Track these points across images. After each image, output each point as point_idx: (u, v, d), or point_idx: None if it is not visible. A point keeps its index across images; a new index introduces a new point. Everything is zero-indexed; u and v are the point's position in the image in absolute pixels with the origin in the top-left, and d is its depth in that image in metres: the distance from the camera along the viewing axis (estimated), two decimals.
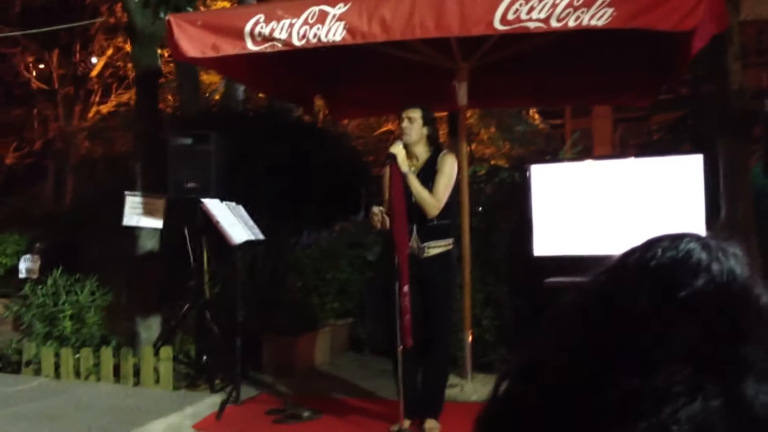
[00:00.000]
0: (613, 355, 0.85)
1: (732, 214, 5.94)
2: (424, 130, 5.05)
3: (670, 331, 0.83)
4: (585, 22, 4.61)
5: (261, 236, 6.16)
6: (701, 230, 0.94)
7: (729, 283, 0.85)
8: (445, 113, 9.24)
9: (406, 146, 4.99)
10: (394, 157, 4.85)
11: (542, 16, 4.69)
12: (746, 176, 6.04)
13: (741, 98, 6.04)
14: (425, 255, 4.95)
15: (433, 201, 4.91)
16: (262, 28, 5.13)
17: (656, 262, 0.88)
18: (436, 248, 4.98)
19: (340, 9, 4.97)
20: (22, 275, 9.55)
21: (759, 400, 0.80)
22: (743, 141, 6.08)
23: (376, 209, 5.04)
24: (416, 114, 5.03)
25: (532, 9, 4.69)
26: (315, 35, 5.04)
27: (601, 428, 0.83)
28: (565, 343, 0.93)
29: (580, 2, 4.60)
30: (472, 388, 5.89)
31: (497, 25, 4.77)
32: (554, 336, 0.96)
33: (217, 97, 13.82)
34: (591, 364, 0.86)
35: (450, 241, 5.07)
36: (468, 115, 7.08)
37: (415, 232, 4.95)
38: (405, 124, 5.04)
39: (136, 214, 6.57)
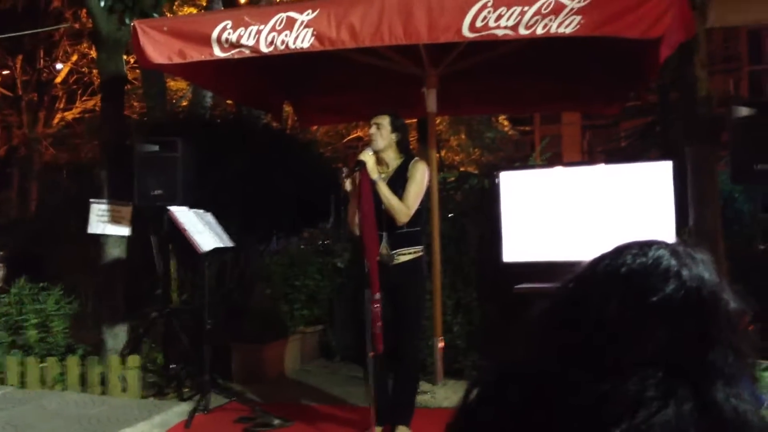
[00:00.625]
0: (584, 360, 0.85)
1: (700, 220, 5.99)
2: (393, 137, 5.02)
3: (642, 335, 0.83)
4: (553, 30, 4.64)
5: (229, 243, 6.12)
6: (671, 236, 0.93)
7: (698, 289, 0.85)
8: (414, 120, 9.26)
9: (376, 153, 4.97)
10: (363, 164, 4.81)
11: (510, 23, 4.71)
12: (714, 182, 6.10)
13: (708, 105, 6.10)
14: (395, 262, 4.93)
15: (403, 208, 4.88)
16: (229, 34, 5.10)
17: (627, 269, 0.88)
18: (405, 255, 4.97)
19: (308, 15, 4.96)
20: None
21: (729, 404, 0.80)
22: (711, 147, 6.13)
23: (345, 171, 5.01)
24: (384, 120, 5.01)
25: (500, 16, 4.71)
26: (283, 42, 5.02)
27: None
28: (537, 349, 0.92)
29: (548, 10, 4.62)
30: (443, 395, 5.90)
31: (466, 33, 4.78)
32: (525, 342, 0.96)
33: (184, 103, 13.71)
34: (563, 369, 0.85)
35: (420, 248, 5.05)
36: (437, 121, 7.09)
37: (384, 239, 4.92)
38: (373, 130, 5.03)
39: (101, 221, 6.51)
